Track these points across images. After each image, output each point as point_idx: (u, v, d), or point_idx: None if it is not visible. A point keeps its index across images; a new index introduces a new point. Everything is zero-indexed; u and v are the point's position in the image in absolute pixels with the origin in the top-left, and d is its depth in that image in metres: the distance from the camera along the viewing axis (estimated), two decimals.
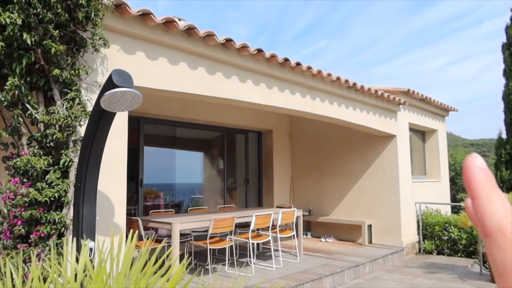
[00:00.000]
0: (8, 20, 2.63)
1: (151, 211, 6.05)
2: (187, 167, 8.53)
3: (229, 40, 4.33)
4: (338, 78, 5.93)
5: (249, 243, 5.49)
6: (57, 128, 3.06)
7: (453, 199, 12.99)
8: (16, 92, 2.92)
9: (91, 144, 2.86)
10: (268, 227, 5.75)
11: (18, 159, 2.98)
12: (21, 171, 3.04)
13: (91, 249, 2.89)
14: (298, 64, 5.21)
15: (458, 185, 14.33)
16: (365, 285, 5.75)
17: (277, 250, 7.08)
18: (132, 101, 2.75)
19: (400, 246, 7.54)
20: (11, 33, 2.69)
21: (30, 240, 3.05)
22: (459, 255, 7.58)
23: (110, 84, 2.65)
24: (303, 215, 8.63)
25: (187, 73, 4.20)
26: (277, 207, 7.53)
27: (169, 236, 5.88)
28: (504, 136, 10.28)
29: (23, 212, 2.99)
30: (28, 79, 3.03)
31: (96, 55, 3.49)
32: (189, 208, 6.74)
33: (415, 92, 8.13)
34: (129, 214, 7.62)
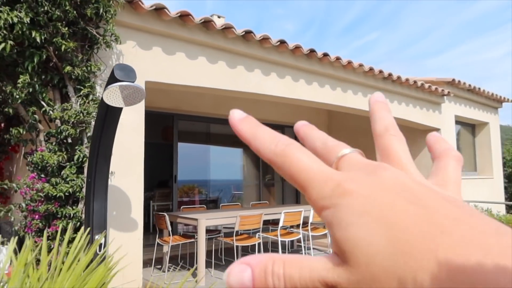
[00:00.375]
0: (15, 19, 2.68)
1: (182, 207, 6.09)
2: (223, 163, 8.53)
3: (248, 32, 4.21)
4: (371, 69, 5.63)
5: (278, 240, 5.35)
6: (70, 125, 3.11)
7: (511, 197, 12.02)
8: (30, 89, 2.99)
9: (99, 139, 2.87)
10: (299, 224, 5.58)
11: (34, 155, 3.06)
12: (39, 167, 3.13)
13: (100, 245, 2.91)
14: (325, 55, 4.99)
15: None
16: None
17: (310, 249, 6.88)
18: (135, 96, 2.71)
19: None
20: (20, 32, 2.75)
21: (48, 234, 3.13)
22: None
23: (112, 78, 2.63)
24: None
25: (206, 67, 4.14)
26: None
27: (212, 231, 5.90)
28: None
29: (39, 207, 3.07)
30: (43, 76, 3.10)
31: (111, 51, 3.51)
32: (221, 205, 6.71)
33: (461, 82, 7.56)
34: (165, 209, 7.76)
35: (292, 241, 7.00)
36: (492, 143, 9.00)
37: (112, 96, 2.64)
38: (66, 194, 3.09)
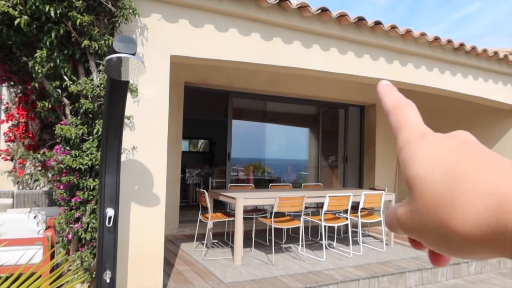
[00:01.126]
0: None
1: (229, 185, 6.05)
2: (281, 142, 8.33)
3: (283, 0, 3.89)
4: (436, 39, 4.93)
5: (321, 225, 5.06)
6: (89, 99, 3.15)
7: None
8: (52, 64, 3.08)
9: (108, 113, 2.86)
10: (347, 209, 5.20)
11: (56, 128, 3.17)
12: (64, 139, 3.24)
13: (109, 218, 2.93)
14: (377, 23, 4.46)
15: None
16: (463, 286, 4.80)
17: (366, 236, 6.44)
18: (135, 69, 2.62)
19: None
20: (34, 6, 2.80)
21: (71, 204, 3.25)
22: None
23: (111, 50, 2.57)
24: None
25: (238, 40, 3.93)
26: (371, 188, 6.81)
27: (259, 211, 5.84)
28: None
29: (62, 177, 3.19)
30: (65, 51, 3.16)
31: (136, 25, 3.47)
32: (270, 185, 6.55)
33: None
34: (222, 186, 7.83)
35: (346, 226, 6.62)
36: None
37: (112, 68, 2.58)
38: (86, 166, 3.17)
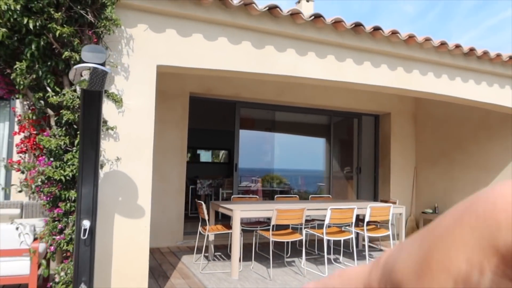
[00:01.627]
0: (4, 7, 2.77)
1: (233, 196, 5.95)
2: (294, 153, 8.17)
3: (273, 8, 3.81)
4: (443, 44, 4.70)
5: (323, 239, 4.86)
6: (70, 110, 3.15)
7: None
8: (34, 75, 3.10)
9: (83, 124, 2.84)
10: (351, 223, 4.98)
11: (37, 138, 3.18)
12: (49, 150, 3.24)
13: (85, 230, 2.89)
14: (376, 28, 4.29)
15: None
16: None
17: (378, 251, 6.16)
18: (104, 78, 2.58)
19: None
20: (11, 19, 2.83)
21: (54, 215, 3.24)
22: None
23: (80, 60, 2.55)
24: (427, 213, 7.37)
25: (228, 49, 3.86)
26: (382, 201, 6.54)
27: (263, 223, 5.70)
28: None
29: (44, 188, 3.19)
30: (49, 63, 3.18)
31: (121, 35, 3.47)
32: (276, 196, 6.40)
33: None
34: (228, 197, 7.73)
35: (356, 240, 6.38)
36: None
37: (80, 78, 2.56)
38: (68, 177, 3.15)
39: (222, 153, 15.00)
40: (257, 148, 7.97)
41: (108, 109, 3.39)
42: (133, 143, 3.48)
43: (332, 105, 7.43)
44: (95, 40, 3.32)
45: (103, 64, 2.56)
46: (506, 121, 6.42)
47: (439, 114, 7.59)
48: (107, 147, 3.38)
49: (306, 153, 8.34)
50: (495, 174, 6.60)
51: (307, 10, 8.34)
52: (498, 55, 5.11)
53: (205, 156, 16.41)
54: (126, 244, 3.43)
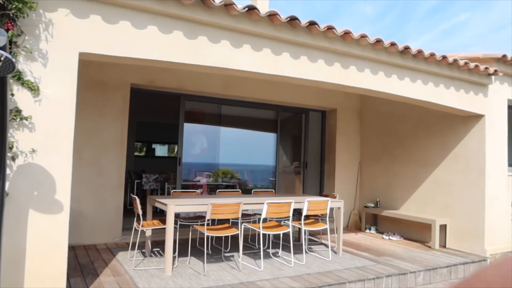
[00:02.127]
0: None
1: (173, 191, 5.82)
2: (241, 147, 8.12)
3: None
4: (378, 41, 4.79)
5: (259, 233, 4.84)
6: None
7: None
8: None
9: None
10: (288, 217, 5.00)
11: None
12: None
13: None
14: (312, 23, 4.30)
15: None
16: None
17: (318, 244, 6.24)
18: (6, 64, 2.40)
19: (482, 255, 5.96)
20: None
21: None
22: None
23: None
24: (369, 207, 7.55)
25: (159, 38, 3.73)
26: (323, 195, 6.63)
27: (203, 218, 5.58)
28: None
29: None
30: None
31: (39, 19, 3.26)
32: (218, 191, 6.33)
33: None
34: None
35: (298, 234, 6.43)
36: None
37: None
38: None
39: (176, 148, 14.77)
40: (206, 142, 7.86)
41: (22, 97, 3.18)
42: (51, 134, 3.29)
43: (279, 100, 7.44)
44: (9, 22, 3.10)
45: (3, 48, 2.38)
46: (443, 119, 6.68)
47: (383, 111, 7.79)
48: (21, 138, 3.17)
49: (257, 148, 8.32)
50: (432, 169, 6.85)
51: (263, 7, 8.28)
52: (432, 54, 5.27)
53: (161, 150, 16.09)
54: (41, 241, 3.25)
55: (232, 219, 5.00)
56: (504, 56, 6.13)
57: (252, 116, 8.05)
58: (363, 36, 4.66)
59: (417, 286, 5.09)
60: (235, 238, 6.05)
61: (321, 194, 7.97)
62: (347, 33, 4.54)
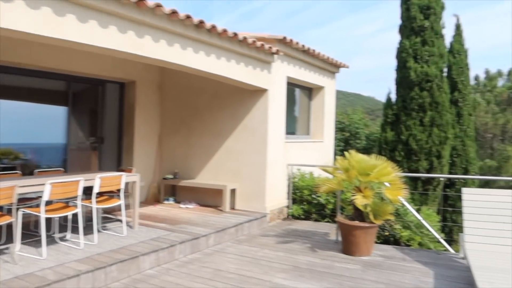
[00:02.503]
0: None
1: None
2: (21, 123, 6.96)
3: None
4: (174, 12, 4.73)
5: (41, 217, 4.29)
6: None
7: None
8: None
9: None
10: (75, 196, 4.59)
11: None
12: None
13: None
14: None
15: (353, 147, 14.18)
16: (199, 261, 4.89)
17: (114, 221, 6.00)
18: None
19: (263, 212, 6.83)
20: None
21: None
22: (326, 220, 7.08)
23: None
24: (168, 178, 7.64)
25: None
26: (119, 170, 6.38)
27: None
28: (393, 96, 9.93)
29: None
30: None
31: None
32: None
33: (293, 41, 7.20)
34: None
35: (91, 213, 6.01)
36: (325, 108, 9.07)
37: None
38: None
39: None
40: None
41: None
42: None
43: (70, 69, 6.62)
44: None
45: None
46: (234, 93, 7.21)
47: (182, 84, 7.89)
48: None
49: (45, 123, 7.25)
50: (224, 139, 7.38)
51: None
52: (225, 30, 5.55)
53: None
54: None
55: (6, 205, 4.26)
56: (284, 38, 6.97)
57: (37, 87, 6.94)
58: (159, 6, 4.52)
59: (208, 248, 5.47)
60: (10, 227, 5.23)
61: (119, 169, 7.63)
62: (141, 0, 4.32)
